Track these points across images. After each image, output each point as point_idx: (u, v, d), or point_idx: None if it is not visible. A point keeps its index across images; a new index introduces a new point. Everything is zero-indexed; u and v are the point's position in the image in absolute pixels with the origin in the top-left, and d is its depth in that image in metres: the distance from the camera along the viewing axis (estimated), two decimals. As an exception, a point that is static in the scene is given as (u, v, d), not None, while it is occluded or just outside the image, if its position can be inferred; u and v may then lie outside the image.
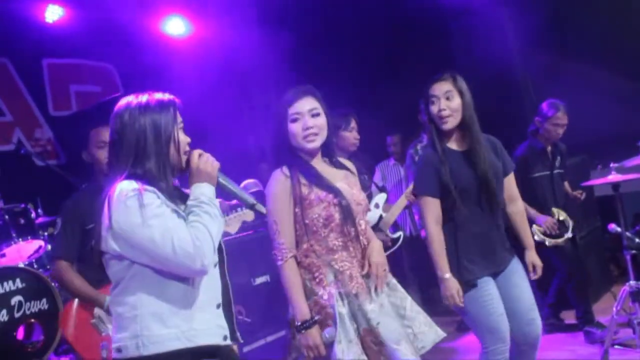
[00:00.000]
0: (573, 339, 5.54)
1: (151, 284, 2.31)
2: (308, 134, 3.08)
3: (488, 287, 3.51)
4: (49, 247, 5.43)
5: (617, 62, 6.49)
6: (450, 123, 3.53)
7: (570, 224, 5.24)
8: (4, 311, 4.55)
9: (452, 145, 3.61)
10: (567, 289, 5.54)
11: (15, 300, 4.62)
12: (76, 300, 3.85)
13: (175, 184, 2.49)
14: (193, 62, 8.69)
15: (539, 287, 5.01)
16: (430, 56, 7.01)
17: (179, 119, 2.46)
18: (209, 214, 2.33)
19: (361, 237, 3.11)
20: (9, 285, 4.62)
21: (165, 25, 8.52)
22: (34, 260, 5.26)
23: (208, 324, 2.39)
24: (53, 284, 4.87)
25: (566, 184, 5.61)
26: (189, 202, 2.38)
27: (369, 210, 3.30)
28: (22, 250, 5.30)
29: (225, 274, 2.56)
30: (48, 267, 5.33)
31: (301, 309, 2.99)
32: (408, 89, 6.57)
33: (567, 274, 5.45)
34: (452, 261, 3.52)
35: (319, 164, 3.17)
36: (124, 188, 2.28)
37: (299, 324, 2.99)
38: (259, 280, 5.60)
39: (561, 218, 5.25)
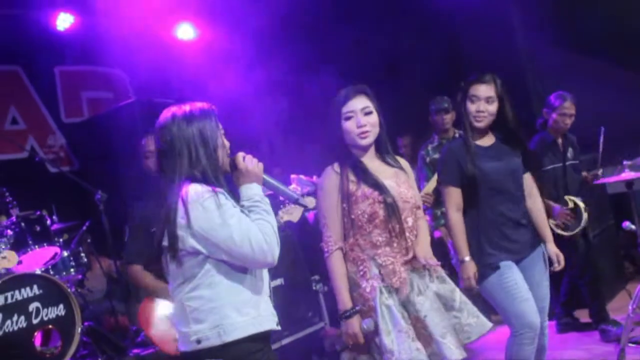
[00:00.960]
0: (589, 338, 5.50)
1: (225, 277, 2.48)
2: (361, 131, 3.19)
3: (512, 272, 3.62)
4: (65, 253, 5.48)
5: (629, 58, 6.46)
6: (484, 123, 3.72)
7: (584, 211, 5.21)
8: (22, 317, 4.59)
9: (479, 141, 3.78)
10: (580, 286, 5.52)
11: (32, 306, 4.66)
12: (146, 300, 4.07)
13: None
14: (203, 67, 8.73)
15: (552, 285, 4.98)
16: (439, 57, 7.03)
17: (220, 125, 2.62)
18: (267, 212, 2.53)
19: (407, 234, 3.17)
20: (26, 292, 4.66)
21: (175, 31, 8.56)
22: (50, 267, 5.29)
23: (267, 311, 2.59)
24: (70, 289, 4.91)
25: (584, 173, 5.58)
26: (243, 202, 2.55)
27: (417, 208, 3.31)
28: (39, 257, 5.34)
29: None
30: (64, 273, 5.38)
31: (343, 299, 3.13)
32: (418, 90, 6.61)
33: (579, 271, 5.43)
34: (474, 246, 3.67)
35: (371, 161, 3.27)
36: (198, 190, 2.44)
37: (341, 312, 3.13)
38: (274, 283, 5.62)
39: (578, 204, 5.22)
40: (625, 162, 4.90)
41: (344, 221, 3.18)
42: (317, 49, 8.15)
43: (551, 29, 6.89)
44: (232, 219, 2.41)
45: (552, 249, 3.85)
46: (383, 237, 3.14)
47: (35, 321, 4.64)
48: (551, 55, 6.92)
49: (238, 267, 2.50)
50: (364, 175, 3.18)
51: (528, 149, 3.90)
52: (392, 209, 3.13)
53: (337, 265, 3.16)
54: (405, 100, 7.04)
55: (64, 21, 7.40)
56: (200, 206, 2.41)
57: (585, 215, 5.17)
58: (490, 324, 3.25)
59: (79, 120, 7.87)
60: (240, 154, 2.63)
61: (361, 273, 3.14)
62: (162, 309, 4.00)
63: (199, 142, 2.52)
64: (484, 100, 3.67)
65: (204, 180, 2.49)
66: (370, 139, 3.22)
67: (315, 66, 8.23)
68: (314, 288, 5.95)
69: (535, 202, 3.89)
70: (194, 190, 2.44)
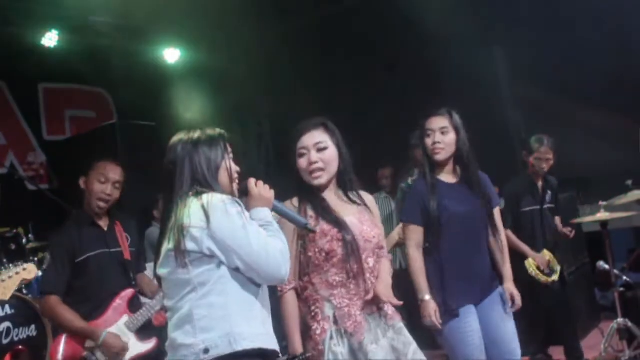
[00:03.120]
0: (561, 376, 5.55)
1: (238, 287, 2.49)
2: (312, 169, 3.04)
3: (469, 318, 3.57)
4: (39, 272, 5.41)
5: (606, 100, 6.57)
6: (442, 155, 3.68)
7: (557, 268, 5.29)
8: (-8, 337, 4.54)
9: (443, 177, 3.74)
10: (554, 325, 5.55)
11: (3, 326, 4.62)
12: (65, 334, 3.77)
13: None
14: (187, 89, 8.76)
15: (528, 322, 5.01)
16: (421, 91, 7.11)
17: (229, 149, 2.69)
18: (279, 232, 2.59)
19: (368, 275, 2.99)
20: (-3, 312, 4.61)
21: (160, 53, 8.59)
22: (23, 286, 5.22)
23: (272, 331, 2.59)
24: (43, 310, 4.85)
25: (557, 219, 5.64)
26: (260, 221, 2.59)
27: (380, 248, 3.12)
28: (12, 276, 5.26)
29: None
30: (38, 292, 5.32)
31: (293, 343, 2.92)
32: (399, 122, 6.66)
33: (554, 309, 5.47)
34: (438, 290, 3.60)
35: (331, 197, 3.09)
36: (220, 197, 2.50)
37: (290, 357, 2.90)
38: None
39: (552, 259, 5.30)
40: (601, 203, 4.97)
41: (300, 258, 3.00)
42: (296, 78, 8.21)
43: (534, 68, 6.99)
44: (251, 227, 2.47)
45: (510, 288, 3.74)
46: (340, 277, 2.95)
47: (5, 341, 4.60)
48: (534, 98, 7.02)
49: (250, 280, 2.51)
50: (323, 211, 2.99)
51: (484, 187, 3.78)
52: (352, 248, 2.93)
53: (290, 306, 2.95)
54: (386, 132, 7.11)
55: (50, 39, 7.40)
56: (223, 209, 2.45)
57: (557, 270, 5.26)
58: None
59: (60, 138, 7.83)
60: (252, 180, 2.71)
61: (313, 314, 2.95)
62: (75, 347, 3.71)
63: (204, 163, 2.59)
64: (438, 131, 3.65)
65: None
66: (322, 179, 3.05)
67: (294, 95, 8.30)
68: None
69: (498, 238, 3.79)
70: (217, 197, 2.49)
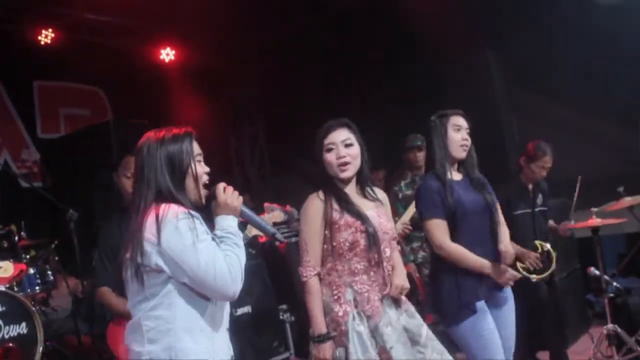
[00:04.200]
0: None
1: (186, 301, 2.45)
2: (341, 163, 3.27)
3: (487, 316, 3.60)
4: (31, 270, 5.42)
5: (599, 105, 6.61)
6: (466, 153, 3.75)
7: (554, 255, 5.28)
8: (-18, 335, 4.53)
9: (450, 174, 3.76)
10: (542, 329, 5.56)
11: (-6, 323, 4.60)
12: (116, 320, 4.00)
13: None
14: (182, 89, 8.78)
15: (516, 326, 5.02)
16: (414, 95, 7.14)
17: (196, 150, 2.58)
18: (237, 245, 2.49)
19: (385, 264, 3.25)
20: (-12, 309, 4.60)
21: (154, 50, 8.60)
22: (15, 283, 5.22)
23: (222, 345, 2.55)
24: (34, 308, 4.85)
25: (551, 221, 5.65)
26: (217, 232, 2.52)
27: (394, 239, 3.39)
28: (4, 273, 5.26)
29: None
30: (29, 290, 5.32)
31: (318, 323, 3.17)
32: (393, 125, 6.70)
33: (542, 314, 5.47)
34: (452, 286, 3.61)
35: (352, 192, 3.34)
36: (175, 210, 2.42)
37: (315, 336, 3.17)
38: (241, 311, 5.61)
39: (545, 249, 5.29)
40: (592, 209, 4.99)
41: (323, 247, 3.24)
42: (291, 81, 8.23)
43: (529, 75, 7.03)
44: (201, 243, 2.39)
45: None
46: (362, 265, 3.21)
47: (-4, 338, 4.58)
48: (527, 103, 7.06)
49: (200, 294, 2.46)
50: (347, 205, 3.24)
51: (487, 184, 3.83)
52: (373, 239, 3.20)
53: (314, 290, 3.21)
54: (379, 135, 7.12)
55: (45, 36, 7.40)
56: (174, 226, 2.38)
57: (554, 261, 5.23)
58: None
59: (55, 136, 7.83)
60: (221, 185, 2.60)
61: (335, 297, 3.19)
62: None
63: (166, 168, 2.50)
64: (465, 130, 3.73)
65: (175, 203, 2.47)
66: (350, 172, 3.29)
67: (287, 95, 8.33)
68: (281, 317, 5.95)
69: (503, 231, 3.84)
70: (172, 210, 2.42)
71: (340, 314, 3.16)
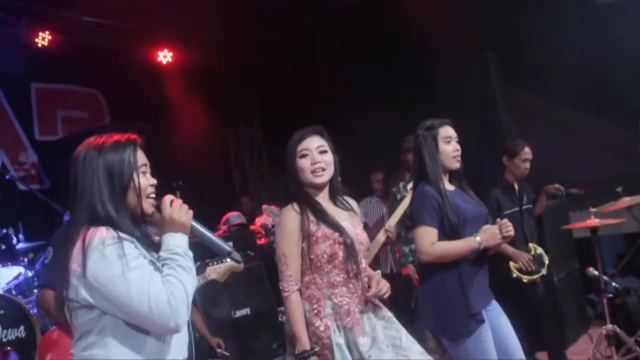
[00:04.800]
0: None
1: (123, 338, 2.18)
2: (316, 169, 3.23)
3: (487, 330, 3.55)
4: (29, 273, 5.41)
5: (598, 106, 6.61)
6: (459, 163, 3.72)
7: (546, 258, 5.28)
8: (-19, 338, 4.52)
9: (446, 185, 3.73)
10: (540, 329, 5.55)
11: (-8, 327, 4.59)
12: (57, 329, 3.78)
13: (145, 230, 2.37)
14: (180, 90, 8.77)
15: (515, 328, 5.01)
16: (413, 95, 7.12)
17: (141, 160, 2.33)
18: (183, 268, 2.21)
19: (362, 275, 3.22)
20: (-14, 312, 4.59)
21: (152, 53, 8.60)
22: (13, 287, 5.21)
23: None
24: (32, 311, 4.84)
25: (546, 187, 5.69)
26: (161, 253, 2.24)
27: (368, 249, 3.36)
28: (2, 276, 5.27)
29: (190, 327, 2.42)
30: (27, 293, 5.30)
31: (301, 340, 3.10)
32: (392, 126, 6.69)
33: (540, 314, 5.47)
34: (458, 296, 3.54)
35: (325, 202, 3.30)
36: (102, 235, 2.15)
37: (299, 352, 3.10)
38: (239, 313, 5.60)
39: (538, 252, 5.29)
40: (591, 209, 4.99)
41: (301, 260, 3.19)
42: (289, 82, 8.23)
43: (526, 76, 7.03)
44: (132, 272, 2.10)
45: None
46: (341, 277, 3.17)
47: (-6, 342, 4.57)
48: (526, 103, 7.05)
49: (139, 328, 2.18)
50: (323, 216, 3.20)
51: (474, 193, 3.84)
52: (352, 250, 3.17)
53: (296, 306, 3.15)
54: (378, 136, 7.12)
55: (42, 38, 7.39)
56: (100, 253, 2.10)
57: (546, 263, 5.24)
58: None
59: (52, 138, 7.82)
60: (167, 198, 2.31)
61: (315, 311, 3.14)
62: (66, 342, 3.58)
63: (104, 180, 2.24)
64: (454, 139, 3.71)
65: (109, 224, 2.20)
66: (324, 178, 3.25)
67: (285, 97, 8.32)
68: (279, 319, 5.95)
69: None
70: (98, 235, 2.14)
71: (322, 328, 3.11)
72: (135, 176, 2.28)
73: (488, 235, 3.54)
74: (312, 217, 3.19)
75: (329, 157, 3.26)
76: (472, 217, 3.65)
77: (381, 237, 5.21)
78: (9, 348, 4.63)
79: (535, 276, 5.12)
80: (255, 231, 6.54)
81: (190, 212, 2.32)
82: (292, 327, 3.15)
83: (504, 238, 3.58)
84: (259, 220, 6.72)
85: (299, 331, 3.11)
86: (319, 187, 3.28)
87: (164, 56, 8.65)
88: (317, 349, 3.09)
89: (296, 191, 3.26)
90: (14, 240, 5.60)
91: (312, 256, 3.16)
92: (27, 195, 6.74)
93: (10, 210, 6.39)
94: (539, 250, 5.21)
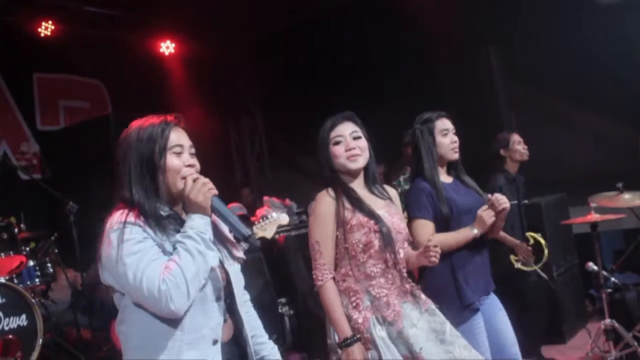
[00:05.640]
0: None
1: (139, 318, 2.23)
2: (351, 154, 3.13)
3: (479, 320, 3.55)
4: (31, 262, 5.43)
5: (600, 102, 6.62)
6: (458, 154, 3.71)
7: (545, 248, 5.28)
8: (-18, 326, 4.55)
9: (440, 177, 3.73)
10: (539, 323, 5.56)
11: (-6, 315, 4.62)
12: None
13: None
14: (182, 81, 8.78)
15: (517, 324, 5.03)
16: (414, 89, 7.14)
17: (174, 141, 2.31)
18: (189, 252, 2.19)
19: (400, 265, 3.11)
20: (-12, 301, 4.63)
21: (155, 43, 8.60)
22: (14, 276, 5.24)
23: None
24: (33, 300, 4.87)
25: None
26: (177, 236, 2.25)
27: (409, 240, 3.25)
28: (3, 266, 5.28)
29: (235, 306, 2.41)
30: (37, 280, 5.34)
31: (342, 327, 2.98)
32: (393, 120, 6.69)
33: (530, 305, 5.47)
34: (451, 288, 3.55)
35: (361, 190, 3.19)
36: (113, 220, 2.21)
37: (341, 340, 2.97)
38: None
39: (539, 240, 5.30)
40: (591, 205, 5.00)
41: (336, 250, 3.08)
42: (291, 75, 8.23)
43: (528, 71, 7.04)
44: (129, 257, 2.14)
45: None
46: (378, 267, 3.06)
47: (-5, 330, 4.60)
48: (528, 98, 7.06)
49: (157, 316, 2.22)
50: (359, 203, 3.08)
51: (474, 184, 3.83)
52: (388, 239, 3.05)
53: (333, 294, 3.03)
54: (378, 130, 7.12)
55: (45, 28, 7.40)
56: (108, 238, 2.19)
57: (546, 251, 5.24)
58: (482, 357, 3.19)
59: (54, 128, 7.83)
60: (190, 178, 2.30)
61: (353, 304, 3.04)
62: None
63: (134, 161, 2.28)
64: (451, 131, 3.70)
65: (135, 205, 2.25)
66: (360, 163, 3.14)
67: (287, 89, 8.32)
68: (280, 311, 5.96)
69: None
70: (113, 219, 2.22)
71: (360, 320, 3.00)
72: (164, 156, 2.28)
73: (480, 221, 3.49)
74: (347, 204, 3.08)
75: (363, 142, 3.15)
76: (468, 209, 3.62)
77: None
78: (10, 336, 4.66)
79: (538, 265, 5.13)
80: (256, 222, 6.55)
81: (211, 192, 2.28)
82: (331, 315, 3.03)
83: (500, 212, 3.50)
84: (260, 212, 6.72)
85: (338, 319, 3.00)
86: (355, 174, 3.18)
87: (167, 47, 8.66)
88: (358, 336, 2.97)
89: (331, 178, 3.16)
90: (16, 230, 5.62)
91: (347, 245, 3.05)
92: (28, 184, 6.77)
93: (12, 199, 6.43)
94: (538, 238, 5.22)
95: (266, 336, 2.66)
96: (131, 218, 2.20)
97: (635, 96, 6.35)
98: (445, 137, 3.71)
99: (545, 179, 5.75)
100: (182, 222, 2.29)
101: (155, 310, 2.18)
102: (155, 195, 2.27)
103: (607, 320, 4.95)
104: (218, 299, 2.32)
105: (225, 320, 2.36)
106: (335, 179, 3.16)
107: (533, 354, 5.67)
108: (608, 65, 6.45)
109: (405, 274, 3.14)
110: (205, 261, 2.21)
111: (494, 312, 3.67)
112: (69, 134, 7.43)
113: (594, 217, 4.94)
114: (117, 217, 2.21)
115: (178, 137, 2.33)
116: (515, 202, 5.40)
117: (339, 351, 3.00)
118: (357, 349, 2.95)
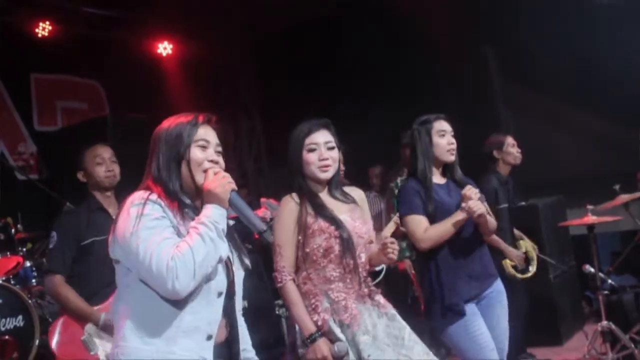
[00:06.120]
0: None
1: (140, 298, 2.27)
2: (323, 165, 3.18)
3: (477, 319, 3.57)
4: (28, 263, 5.42)
5: (596, 103, 6.63)
6: (454, 156, 3.73)
7: (534, 256, 5.30)
8: (-21, 327, 4.54)
9: (433, 178, 3.74)
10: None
11: (-10, 316, 4.61)
12: (65, 315, 3.81)
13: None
14: (179, 82, 8.77)
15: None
16: (411, 90, 7.14)
17: (201, 136, 2.41)
18: (201, 237, 2.23)
19: (360, 269, 3.16)
20: (-15, 302, 4.62)
21: (152, 44, 8.59)
22: (11, 276, 5.23)
23: (190, 353, 2.28)
24: (30, 301, 4.86)
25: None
26: (192, 222, 2.30)
27: (371, 242, 3.28)
28: (0, 266, 5.28)
29: (234, 308, 2.45)
30: (34, 281, 5.33)
31: (306, 323, 3.07)
32: (391, 121, 6.70)
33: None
34: (438, 290, 3.58)
35: (325, 196, 3.26)
36: (136, 195, 2.31)
37: (306, 337, 3.04)
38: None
39: (529, 249, 5.31)
40: (588, 207, 5.00)
41: (297, 254, 3.15)
42: (289, 75, 8.22)
43: (525, 73, 7.04)
44: (145, 231, 2.21)
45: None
46: (337, 272, 3.12)
47: (-8, 331, 4.59)
48: (524, 99, 7.07)
49: (163, 298, 2.24)
50: (321, 209, 3.15)
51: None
52: (348, 245, 3.11)
53: (293, 294, 3.12)
54: (376, 131, 7.13)
55: (42, 29, 7.39)
56: (127, 212, 2.26)
57: (535, 260, 5.26)
58: None
59: (51, 129, 7.82)
60: (211, 171, 2.38)
61: (312, 307, 3.10)
62: (75, 328, 3.73)
63: (163, 150, 2.39)
64: (449, 133, 3.72)
65: (161, 185, 2.35)
66: (330, 173, 3.21)
67: (285, 90, 8.32)
68: (276, 312, 5.96)
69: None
70: (135, 195, 2.31)
71: (320, 323, 3.07)
72: (190, 149, 2.38)
73: (471, 202, 3.49)
74: (310, 210, 3.15)
75: (336, 153, 3.22)
76: (455, 209, 3.63)
77: (387, 233, 5.20)
78: (7, 337, 4.65)
79: (528, 274, 5.15)
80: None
81: (229, 186, 2.34)
82: (294, 314, 3.11)
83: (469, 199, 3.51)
84: (257, 213, 6.73)
85: (301, 316, 3.08)
86: (322, 182, 3.25)
87: (164, 48, 8.64)
88: (324, 330, 3.04)
89: (297, 182, 3.23)
90: (13, 230, 5.61)
91: (308, 249, 3.11)
92: (26, 185, 6.76)
93: (9, 200, 6.42)
94: (529, 247, 5.24)
95: (253, 352, 2.68)
96: (154, 196, 2.30)
97: (634, 97, 6.36)
98: (442, 138, 3.73)
99: (543, 181, 5.75)
100: (199, 212, 2.35)
101: (159, 289, 2.21)
102: (177, 185, 2.37)
103: (604, 322, 4.96)
104: (220, 295, 2.35)
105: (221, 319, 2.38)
106: (301, 184, 3.23)
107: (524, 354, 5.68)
108: (607, 66, 6.46)
109: (364, 278, 3.19)
110: (215, 248, 2.26)
111: (489, 306, 3.69)
112: (67, 134, 7.42)
113: (591, 219, 4.95)
114: (141, 194, 2.31)
115: (205, 132, 2.43)
116: (506, 205, 5.40)
117: (303, 349, 3.07)
118: (322, 343, 3.03)
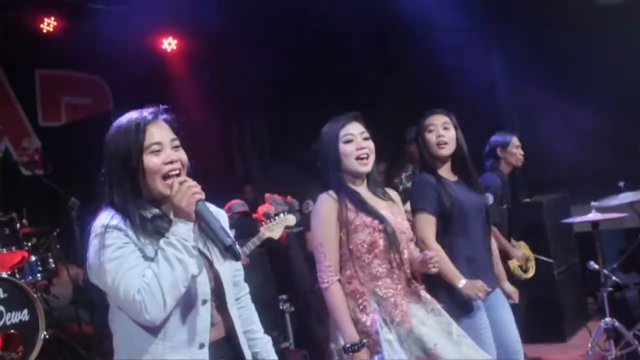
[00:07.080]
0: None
1: (124, 319, 2.19)
2: (361, 154, 3.10)
3: (481, 314, 3.56)
4: (33, 257, 5.44)
5: (600, 101, 6.62)
6: (446, 150, 3.68)
7: (532, 258, 5.32)
8: (-16, 321, 4.56)
9: (444, 174, 3.74)
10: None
11: (-5, 310, 4.63)
12: None
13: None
14: (184, 78, 8.77)
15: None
16: (415, 88, 7.14)
17: (149, 140, 2.21)
18: (169, 262, 2.10)
19: (405, 265, 3.09)
20: (-10, 295, 4.64)
21: (157, 40, 8.60)
22: (16, 271, 5.24)
23: None
24: (35, 295, 4.88)
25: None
26: (160, 241, 2.16)
27: (411, 240, 3.22)
28: (5, 261, 5.30)
29: (226, 308, 2.34)
30: (39, 275, 5.35)
31: (349, 332, 2.96)
32: (394, 118, 6.70)
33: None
34: (447, 284, 3.54)
35: (364, 191, 3.17)
36: (96, 224, 2.19)
37: (347, 346, 2.94)
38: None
39: (527, 251, 5.33)
40: (592, 204, 5.00)
41: (340, 252, 3.05)
42: (293, 74, 8.22)
43: (529, 70, 7.04)
44: (109, 263, 2.11)
45: (508, 288, 3.91)
46: (383, 267, 3.03)
47: (-3, 325, 4.61)
48: (528, 98, 7.06)
49: (141, 325, 2.19)
50: (362, 204, 3.07)
51: (482, 185, 3.89)
52: (393, 239, 3.04)
53: (339, 297, 3.00)
54: (381, 127, 7.12)
55: (47, 24, 7.39)
56: (91, 243, 2.17)
57: (533, 263, 5.28)
58: (489, 356, 3.19)
59: (56, 124, 7.84)
60: (177, 181, 2.17)
61: (361, 307, 3.01)
62: None
63: (115, 164, 2.21)
64: (440, 126, 3.68)
65: (116, 207, 2.21)
66: (369, 166, 3.13)
67: (289, 87, 8.31)
68: (281, 307, 5.97)
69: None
70: (97, 222, 2.19)
71: (369, 323, 2.98)
72: (140, 159, 2.19)
73: (470, 285, 3.43)
74: (350, 205, 3.06)
75: (371, 144, 3.15)
76: (469, 210, 3.64)
77: None
78: (12, 331, 4.67)
79: (529, 275, 5.17)
80: (257, 219, 6.57)
81: (195, 197, 2.15)
82: (337, 320, 3.00)
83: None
84: (262, 209, 6.73)
85: (344, 323, 2.97)
86: (360, 176, 3.16)
87: (169, 44, 8.64)
88: (366, 341, 2.94)
89: (335, 177, 3.14)
90: (18, 225, 5.63)
91: (351, 246, 3.02)
92: (30, 180, 6.77)
93: (14, 195, 6.43)
94: (527, 251, 5.27)
95: (261, 331, 2.62)
96: (113, 222, 2.16)
97: (638, 95, 6.35)
98: (431, 133, 3.72)
99: (547, 178, 5.74)
100: (169, 222, 2.20)
101: (134, 318, 2.15)
102: (138, 198, 2.21)
103: (608, 319, 4.96)
104: (204, 302, 2.26)
105: (212, 324, 2.29)
106: (339, 177, 3.13)
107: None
108: (610, 64, 6.45)
109: (409, 275, 3.13)
110: (185, 270, 2.12)
111: (497, 308, 3.70)
112: (71, 130, 7.44)
113: (595, 216, 4.95)
114: (101, 220, 2.19)
115: (155, 133, 2.22)
116: (506, 206, 5.41)
117: (345, 356, 2.97)
118: (364, 355, 2.93)
